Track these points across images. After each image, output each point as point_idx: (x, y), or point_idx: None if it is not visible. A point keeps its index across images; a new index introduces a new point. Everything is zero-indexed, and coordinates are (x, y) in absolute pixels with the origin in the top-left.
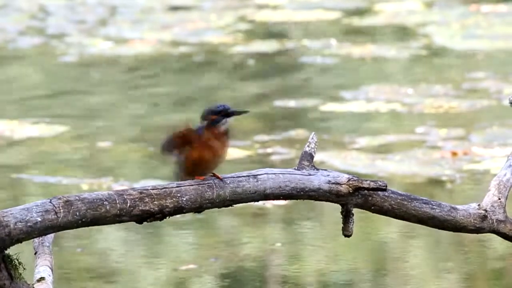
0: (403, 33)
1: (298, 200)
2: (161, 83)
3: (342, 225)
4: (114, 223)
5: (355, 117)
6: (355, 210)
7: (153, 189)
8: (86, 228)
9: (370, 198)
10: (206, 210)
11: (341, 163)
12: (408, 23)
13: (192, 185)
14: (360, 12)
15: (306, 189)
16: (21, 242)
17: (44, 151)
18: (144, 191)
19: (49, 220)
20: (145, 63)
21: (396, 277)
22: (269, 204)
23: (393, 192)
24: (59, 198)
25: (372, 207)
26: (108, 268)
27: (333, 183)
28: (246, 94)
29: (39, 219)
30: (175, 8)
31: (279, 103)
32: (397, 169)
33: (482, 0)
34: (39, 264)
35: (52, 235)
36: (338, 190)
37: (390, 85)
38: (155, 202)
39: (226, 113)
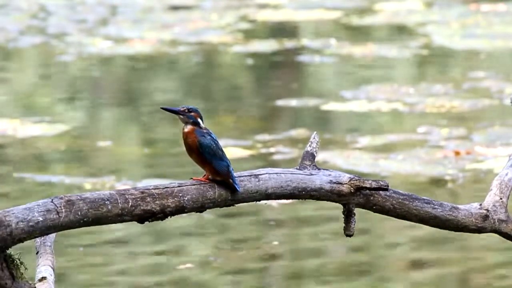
0: (402, 32)
1: (300, 200)
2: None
3: (343, 224)
4: (115, 222)
5: (356, 117)
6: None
7: (155, 188)
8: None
9: (371, 198)
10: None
11: (344, 163)
12: (408, 23)
13: (194, 184)
14: (360, 11)
15: (308, 188)
16: (22, 242)
17: (46, 150)
18: (146, 191)
19: (50, 220)
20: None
21: (395, 280)
22: (274, 203)
23: (394, 192)
24: (61, 198)
25: (374, 207)
26: (108, 265)
27: (334, 183)
28: (246, 93)
29: (41, 219)
30: (175, 8)
31: (280, 102)
32: (399, 168)
33: (482, 0)
34: (40, 264)
35: (53, 234)
36: (340, 189)
37: (391, 84)
38: (157, 202)
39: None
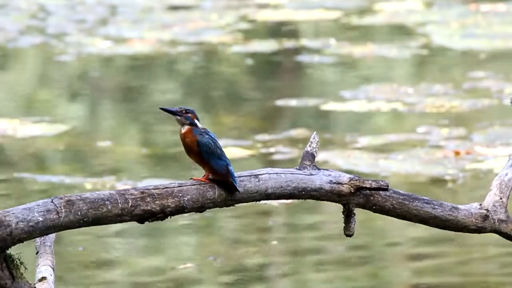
0: (402, 32)
1: (300, 200)
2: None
3: (343, 224)
4: (115, 222)
5: (356, 117)
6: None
7: (155, 188)
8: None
9: (371, 198)
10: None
11: (344, 163)
12: (408, 23)
13: (194, 184)
14: (360, 11)
15: (308, 188)
16: (22, 242)
17: (46, 150)
18: (146, 191)
19: (50, 220)
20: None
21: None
22: (275, 202)
23: (394, 192)
24: (61, 198)
25: (374, 207)
26: (108, 265)
27: (334, 183)
28: (246, 93)
29: (41, 219)
30: (175, 8)
31: (280, 102)
32: (399, 168)
33: (482, 0)
34: (40, 264)
35: (53, 234)
36: (340, 190)
37: (390, 84)
38: (157, 202)
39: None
